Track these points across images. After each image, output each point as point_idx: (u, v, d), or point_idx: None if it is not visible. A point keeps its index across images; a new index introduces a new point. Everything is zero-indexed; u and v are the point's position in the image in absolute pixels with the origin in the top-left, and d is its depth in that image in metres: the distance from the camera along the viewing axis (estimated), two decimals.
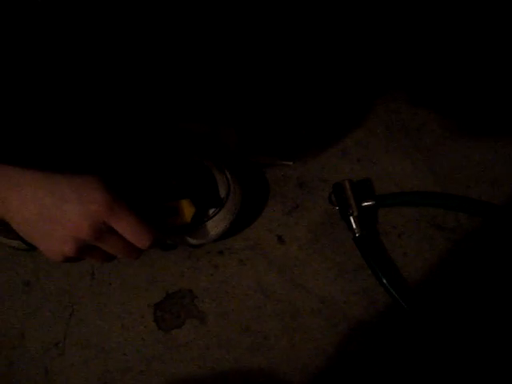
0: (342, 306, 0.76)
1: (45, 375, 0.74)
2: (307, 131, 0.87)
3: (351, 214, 0.76)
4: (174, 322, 0.76)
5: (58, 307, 0.77)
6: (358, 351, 0.73)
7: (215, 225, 0.74)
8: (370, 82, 0.90)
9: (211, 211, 0.74)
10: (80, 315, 0.77)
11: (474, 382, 0.71)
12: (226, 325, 0.75)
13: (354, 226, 0.76)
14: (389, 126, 0.87)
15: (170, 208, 0.71)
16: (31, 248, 0.78)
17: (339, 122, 0.87)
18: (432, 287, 0.76)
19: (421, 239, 0.79)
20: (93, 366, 0.74)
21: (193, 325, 0.75)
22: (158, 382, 0.73)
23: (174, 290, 0.77)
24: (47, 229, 0.59)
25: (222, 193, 0.75)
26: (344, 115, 0.88)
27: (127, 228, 0.61)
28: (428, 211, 0.80)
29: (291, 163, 0.84)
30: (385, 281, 0.74)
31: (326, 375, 0.72)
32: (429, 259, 0.78)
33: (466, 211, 0.79)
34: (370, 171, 0.84)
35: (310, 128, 0.87)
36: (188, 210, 0.71)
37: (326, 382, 0.72)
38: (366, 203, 0.78)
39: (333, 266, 0.78)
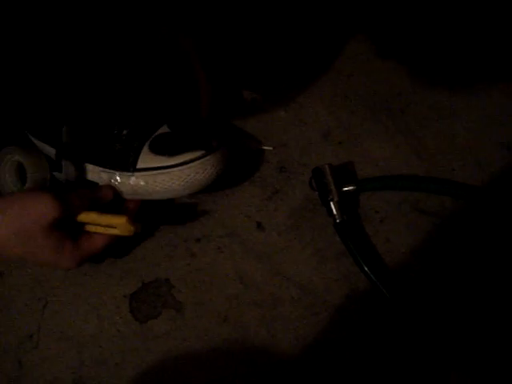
0: (322, 293, 0.74)
1: (19, 368, 0.72)
2: (286, 112, 0.84)
3: (331, 200, 0.74)
4: (150, 313, 0.74)
5: (31, 299, 0.75)
6: (339, 340, 0.72)
7: (202, 168, 0.71)
8: (352, 62, 0.88)
9: (199, 153, 0.71)
10: (54, 307, 0.75)
11: (455, 369, 0.69)
12: (204, 315, 0.73)
13: (335, 211, 0.74)
14: (372, 108, 0.84)
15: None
16: None
17: (320, 103, 0.85)
18: (415, 273, 0.74)
19: (404, 224, 0.77)
20: (67, 358, 0.72)
21: (170, 315, 0.73)
22: (134, 374, 0.71)
23: (150, 279, 0.75)
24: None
25: (214, 143, 0.72)
26: (326, 96, 0.85)
27: (82, 200, 0.68)
28: (411, 195, 0.78)
29: (271, 148, 0.82)
30: (366, 268, 0.72)
31: (307, 365, 0.70)
32: (412, 244, 0.76)
33: (449, 194, 0.77)
34: (352, 154, 0.81)
35: (289, 109, 0.85)
36: (125, 227, 0.69)
37: (307, 372, 0.70)
38: (346, 188, 0.75)
39: (313, 253, 0.76)
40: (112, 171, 0.72)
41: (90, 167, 0.72)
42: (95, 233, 0.69)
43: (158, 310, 0.74)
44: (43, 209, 0.62)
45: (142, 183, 0.71)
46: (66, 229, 0.66)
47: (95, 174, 0.72)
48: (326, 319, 0.72)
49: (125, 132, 0.72)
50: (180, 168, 0.70)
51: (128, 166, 0.71)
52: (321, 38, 0.90)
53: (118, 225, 0.68)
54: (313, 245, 0.76)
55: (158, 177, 0.71)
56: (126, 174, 0.72)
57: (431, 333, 0.71)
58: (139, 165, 0.71)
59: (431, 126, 0.83)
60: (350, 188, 0.75)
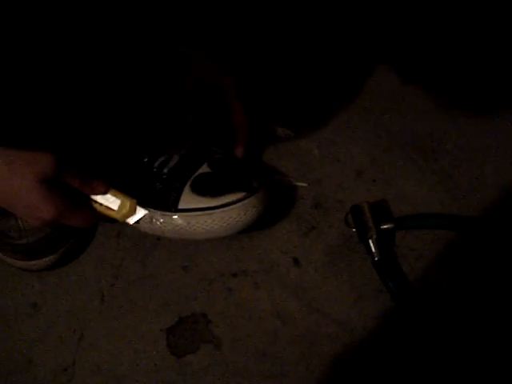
0: (360, 331, 0.74)
1: None
2: (319, 149, 0.85)
3: (370, 237, 0.75)
4: (187, 348, 0.73)
5: (66, 331, 0.75)
6: (377, 379, 0.71)
7: (244, 210, 0.71)
8: (383, 100, 0.89)
9: (241, 195, 0.71)
10: (90, 339, 0.74)
11: None
12: (242, 350, 0.73)
13: (373, 249, 0.75)
14: (404, 146, 0.85)
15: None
16: (39, 269, 0.76)
17: (353, 141, 0.86)
18: (453, 312, 0.74)
19: (439, 263, 0.77)
20: None
21: (207, 350, 0.73)
22: None
23: (187, 313, 0.75)
24: (13, 198, 0.64)
25: (255, 184, 0.73)
26: (358, 134, 0.86)
27: (75, 178, 0.66)
28: (445, 234, 0.79)
29: (306, 185, 0.82)
30: (405, 305, 0.72)
31: None
32: (448, 284, 0.76)
33: (483, 234, 0.78)
34: (385, 192, 0.82)
35: (321, 146, 0.86)
36: (126, 211, 0.70)
37: None
38: (385, 226, 0.76)
39: (350, 290, 0.76)
40: (153, 210, 0.72)
41: None
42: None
43: (196, 345, 0.73)
44: (38, 159, 0.62)
45: (183, 224, 0.72)
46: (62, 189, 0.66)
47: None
48: (365, 357, 0.72)
49: (165, 171, 0.73)
50: (222, 209, 0.71)
51: (169, 206, 0.72)
52: (352, 74, 0.91)
53: (123, 204, 0.69)
54: (350, 282, 0.76)
55: (200, 218, 0.71)
56: (167, 213, 0.72)
57: (467, 371, 0.71)
58: (181, 205, 0.72)
59: (463, 165, 0.84)
60: (389, 226, 0.76)
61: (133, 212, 0.70)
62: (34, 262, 0.75)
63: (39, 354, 0.73)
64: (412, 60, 0.93)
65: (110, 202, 0.69)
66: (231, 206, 0.71)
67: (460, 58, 0.93)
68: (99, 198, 0.69)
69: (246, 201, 0.71)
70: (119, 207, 0.70)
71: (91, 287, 0.77)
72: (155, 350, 0.73)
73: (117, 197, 0.69)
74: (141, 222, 0.73)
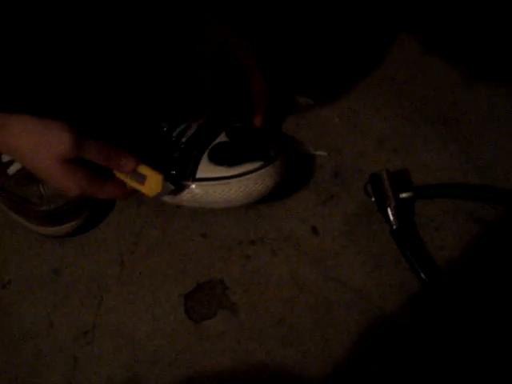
0: (377, 300, 0.74)
1: (73, 364, 0.72)
2: (340, 118, 0.85)
3: (389, 206, 0.74)
4: (205, 313, 0.74)
5: (86, 295, 0.76)
6: (393, 347, 0.71)
7: (261, 179, 0.71)
8: (406, 68, 0.88)
9: (259, 164, 0.71)
10: (109, 304, 0.75)
11: None
12: (258, 317, 0.73)
13: (392, 218, 0.74)
14: (426, 116, 0.84)
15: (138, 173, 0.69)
16: (60, 235, 0.77)
17: (374, 110, 0.85)
18: (470, 281, 0.73)
19: (459, 233, 0.76)
20: (122, 355, 0.73)
21: (224, 316, 0.74)
22: (187, 374, 0.71)
23: (205, 280, 0.76)
24: (40, 175, 0.65)
25: (272, 152, 0.73)
26: (380, 103, 0.85)
27: (99, 156, 0.65)
28: (466, 204, 0.78)
29: (326, 154, 0.82)
30: (422, 275, 0.72)
31: (360, 371, 0.70)
32: (467, 253, 0.75)
33: (504, 204, 0.76)
34: (406, 161, 0.81)
35: (342, 115, 0.85)
36: (154, 186, 0.69)
37: (360, 379, 0.70)
38: (403, 195, 0.75)
39: (368, 259, 0.76)
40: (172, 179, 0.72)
41: None
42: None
43: (213, 311, 0.74)
44: (57, 141, 0.62)
45: (201, 193, 0.72)
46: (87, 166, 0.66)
47: None
48: (381, 325, 0.72)
49: (184, 140, 0.73)
50: (239, 179, 0.71)
51: (187, 175, 0.72)
52: (374, 42, 0.90)
53: (151, 179, 0.68)
54: (368, 251, 0.76)
55: (217, 187, 0.72)
56: (185, 182, 0.73)
57: (485, 340, 0.70)
58: (198, 174, 0.72)
59: (486, 135, 0.83)
60: (408, 195, 0.75)
61: (160, 187, 0.69)
62: (55, 228, 0.76)
63: (60, 318, 0.75)
64: (436, 29, 0.91)
65: (137, 176, 0.69)
66: (248, 176, 0.71)
67: (484, 26, 0.90)
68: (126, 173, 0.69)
69: (262, 170, 0.71)
70: (147, 182, 0.69)
71: (111, 253, 0.78)
72: (173, 315, 0.74)
73: (145, 172, 0.69)
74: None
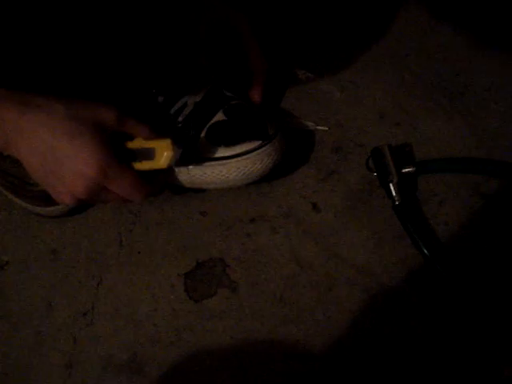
0: (379, 276, 0.72)
1: (73, 345, 0.72)
2: (341, 92, 0.83)
3: (391, 181, 0.73)
4: (205, 292, 0.73)
5: (85, 276, 0.75)
6: (395, 324, 0.70)
7: (259, 158, 0.70)
8: (408, 41, 0.86)
9: (257, 144, 0.70)
10: (108, 284, 0.74)
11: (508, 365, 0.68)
12: (259, 295, 0.72)
13: (394, 193, 0.73)
14: (429, 89, 0.83)
15: (145, 150, 0.65)
16: (57, 215, 0.76)
17: (376, 83, 0.83)
18: (474, 257, 0.72)
19: (463, 207, 0.75)
20: (122, 336, 0.72)
21: (224, 295, 0.73)
22: (188, 353, 0.71)
23: (205, 258, 0.75)
24: (52, 174, 0.61)
25: (270, 131, 0.71)
26: (382, 76, 0.84)
27: (120, 188, 0.63)
28: (471, 178, 0.76)
29: (326, 128, 0.80)
30: (425, 250, 0.71)
31: (362, 349, 0.69)
32: (471, 228, 0.74)
33: (509, 178, 0.75)
34: (409, 136, 0.80)
35: (344, 89, 0.83)
36: (166, 152, 0.65)
37: (362, 356, 0.69)
38: (406, 169, 0.74)
39: (370, 235, 0.74)
40: None
41: None
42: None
43: (213, 290, 0.73)
44: (102, 110, 0.61)
45: (199, 173, 0.71)
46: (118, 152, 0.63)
47: None
48: (384, 303, 0.71)
49: (180, 119, 0.72)
50: (237, 159, 0.70)
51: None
52: (376, 15, 0.88)
53: (160, 147, 0.65)
54: (370, 227, 0.75)
55: (215, 168, 0.70)
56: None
57: (487, 319, 0.69)
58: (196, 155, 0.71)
59: (491, 107, 0.81)
60: (410, 169, 0.74)
61: (171, 150, 0.65)
62: (52, 208, 0.76)
63: (59, 298, 0.74)
64: (441, 5, 0.89)
65: (146, 153, 0.65)
66: (245, 156, 0.70)
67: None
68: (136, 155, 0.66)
69: (260, 150, 0.70)
70: (157, 153, 0.65)
71: (109, 233, 0.77)
72: (173, 295, 0.73)
73: (151, 145, 0.65)
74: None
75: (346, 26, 0.88)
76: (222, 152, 0.70)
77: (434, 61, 0.84)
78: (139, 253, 0.76)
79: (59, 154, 0.59)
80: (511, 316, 0.69)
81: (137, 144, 0.65)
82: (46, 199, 0.74)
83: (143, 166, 0.65)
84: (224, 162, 0.70)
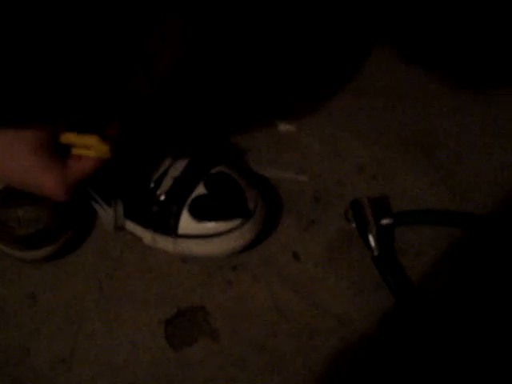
0: (359, 326, 0.74)
1: None
2: (320, 144, 0.85)
3: (370, 232, 0.75)
4: (185, 340, 0.73)
5: (64, 322, 0.74)
6: (375, 373, 0.71)
7: (241, 236, 0.72)
8: (385, 97, 0.89)
9: (238, 222, 0.72)
10: (88, 330, 0.74)
11: None
12: (240, 343, 0.73)
13: (373, 244, 0.75)
14: (405, 143, 0.85)
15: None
16: (37, 259, 0.76)
17: (354, 137, 0.86)
18: (452, 309, 0.74)
19: (439, 259, 0.77)
20: (100, 383, 0.71)
21: (205, 342, 0.73)
22: None
23: (186, 306, 0.75)
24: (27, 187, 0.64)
25: (251, 205, 0.73)
26: (359, 130, 0.86)
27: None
28: (446, 230, 0.78)
29: (306, 179, 0.82)
30: (404, 301, 0.72)
31: None
32: (447, 279, 0.76)
33: (483, 231, 0.78)
34: (386, 188, 0.82)
35: (323, 141, 0.86)
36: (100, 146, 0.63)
37: None
38: (384, 221, 0.76)
39: (350, 285, 0.76)
40: (154, 233, 0.74)
41: (132, 225, 0.75)
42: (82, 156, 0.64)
43: (194, 337, 0.73)
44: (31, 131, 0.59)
45: (184, 248, 0.74)
46: (54, 150, 0.62)
47: (137, 230, 0.75)
48: (363, 352, 0.72)
49: (159, 192, 0.74)
50: (221, 238, 0.72)
51: (169, 230, 0.73)
52: (353, 70, 0.91)
53: (91, 144, 0.63)
54: (349, 277, 0.76)
55: (199, 244, 0.73)
56: (168, 238, 0.74)
57: (469, 368, 0.71)
58: (180, 231, 0.73)
59: (463, 162, 0.84)
60: (388, 221, 0.76)
61: (101, 145, 0.63)
62: (32, 253, 0.75)
63: (37, 344, 0.73)
64: (414, 57, 0.92)
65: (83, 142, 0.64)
66: (229, 235, 0.72)
67: (460, 53, 0.92)
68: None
69: (242, 228, 0.72)
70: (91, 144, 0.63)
71: (90, 278, 0.77)
72: (153, 342, 0.73)
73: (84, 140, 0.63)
74: (144, 239, 0.75)
75: (324, 80, 0.91)
76: (206, 229, 0.72)
77: (408, 116, 0.87)
78: (119, 299, 0.75)
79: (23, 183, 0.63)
80: (491, 361, 0.70)
81: (72, 138, 0.64)
82: (27, 243, 0.74)
83: (87, 153, 0.64)
84: (207, 240, 0.73)
